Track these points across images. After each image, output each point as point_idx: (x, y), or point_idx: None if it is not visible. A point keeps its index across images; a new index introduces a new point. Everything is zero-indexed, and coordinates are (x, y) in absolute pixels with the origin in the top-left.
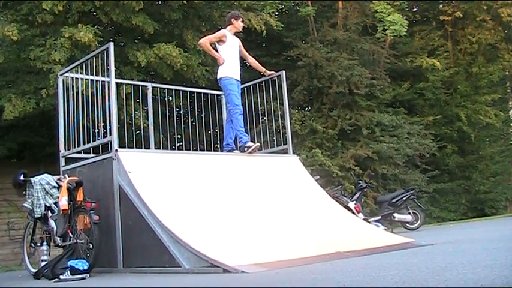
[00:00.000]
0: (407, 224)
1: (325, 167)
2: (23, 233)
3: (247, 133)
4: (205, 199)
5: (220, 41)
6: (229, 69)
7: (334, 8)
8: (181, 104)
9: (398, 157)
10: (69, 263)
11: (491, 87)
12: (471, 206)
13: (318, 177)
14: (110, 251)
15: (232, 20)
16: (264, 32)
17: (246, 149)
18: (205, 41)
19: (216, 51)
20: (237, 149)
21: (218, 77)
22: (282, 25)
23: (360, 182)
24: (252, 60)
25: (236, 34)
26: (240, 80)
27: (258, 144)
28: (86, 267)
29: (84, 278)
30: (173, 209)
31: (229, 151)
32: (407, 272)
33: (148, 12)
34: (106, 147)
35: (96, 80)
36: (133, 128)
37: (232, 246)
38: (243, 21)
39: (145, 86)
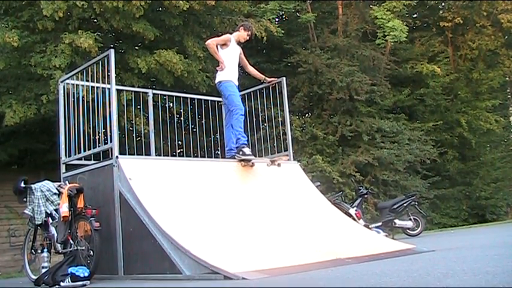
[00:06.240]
0: (408, 230)
1: (325, 173)
2: (23, 239)
3: (248, 141)
4: (205, 206)
5: (224, 44)
6: (229, 73)
7: (335, 14)
8: (181, 110)
9: (399, 163)
10: (70, 269)
11: (492, 93)
12: (472, 212)
13: (319, 183)
14: (111, 258)
15: (241, 28)
16: (265, 38)
17: (240, 153)
18: (212, 43)
19: None
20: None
21: (217, 81)
22: (283, 31)
23: (361, 188)
24: (251, 69)
25: (238, 43)
26: (238, 86)
27: (253, 157)
28: (86, 274)
29: (84, 285)
30: (174, 215)
31: (232, 156)
32: (408, 278)
33: (149, 19)
34: (107, 154)
35: (97, 87)
36: (134, 135)
37: (233, 252)
38: (249, 36)
39: (146, 93)
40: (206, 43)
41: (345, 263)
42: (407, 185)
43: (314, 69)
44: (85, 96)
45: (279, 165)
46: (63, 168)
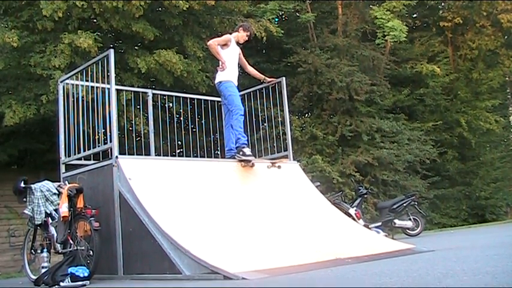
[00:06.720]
0: (407, 230)
1: (325, 173)
2: (23, 239)
3: (248, 141)
4: (205, 206)
5: (225, 45)
6: (229, 73)
7: (334, 14)
8: (181, 110)
9: (399, 163)
10: (70, 270)
11: (492, 93)
12: (472, 212)
13: (319, 183)
14: (110, 258)
15: (240, 29)
16: (264, 38)
17: (241, 153)
18: (214, 43)
19: None
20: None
21: (217, 81)
22: (282, 31)
23: (361, 188)
24: (250, 69)
25: (237, 43)
26: (237, 86)
27: (253, 158)
28: (86, 274)
29: (84, 285)
30: (173, 215)
31: (232, 156)
32: (408, 278)
33: (149, 19)
34: (106, 154)
35: (97, 87)
36: (134, 135)
37: (233, 252)
38: (248, 36)
39: (146, 93)
40: (208, 43)
41: (345, 263)
42: (407, 185)
43: (314, 69)
44: (85, 96)
45: (279, 167)
46: (62, 168)
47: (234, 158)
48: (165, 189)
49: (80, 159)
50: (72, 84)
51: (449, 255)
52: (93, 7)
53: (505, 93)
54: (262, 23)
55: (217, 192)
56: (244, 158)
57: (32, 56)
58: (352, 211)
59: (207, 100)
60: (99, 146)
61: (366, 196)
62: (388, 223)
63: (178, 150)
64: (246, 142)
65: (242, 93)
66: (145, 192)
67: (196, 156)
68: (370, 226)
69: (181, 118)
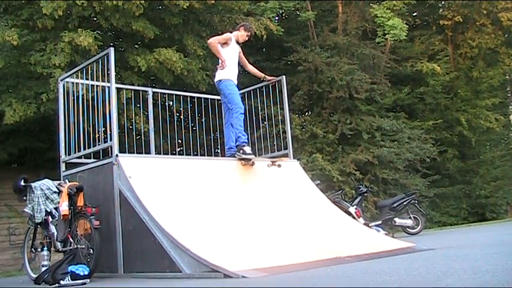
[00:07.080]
0: (408, 229)
1: (325, 171)
2: (23, 238)
3: (248, 139)
4: (205, 204)
5: (225, 43)
6: (229, 72)
7: (334, 12)
8: (181, 108)
9: (399, 162)
10: (70, 268)
11: (492, 92)
12: (472, 211)
13: (319, 182)
14: (111, 256)
15: (241, 28)
16: (264, 36)
17: (241, 151)
18: (215, 41)
19: None
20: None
21: (216, 80)
22: (282, 30)
23: (361, 186)
24: (250, 68)
25: (237, 42)
26: (237, 84)
27: (253, 157)
28: (86, 273)
29: (84, 283)
30: (174, 214)
31: (232, 155)
32: (408, 277)
33: (149, 17)
34: (106, 152)
35: (97, 85)
36: (134, 133)
37: (233, 251)
38: (248, 36)
39: (146, 91)
40: (208, 42)
41: (345, 261)
42: (407, 184)
43: (314, 67)
44: (85, 95)
45: (279, 166)
46: (63, 166)
47: (234, 157)
48: (165, 188)
49: (80, 157)
50: (72, 83)
51: (450, 254)
52: (93, 5)
53: (505, 92)
54: (262, 22)
55: (218, 191)
56: (244, 156)
57: (32, 54)
58: (352, 209)
59: (207, 98)
60: (99, 145)
61: (366, 195)
62: (388, 221)
63: (179, 149)
64: (246, 140)
65: (242, 91)
66: (146, 190)
67: (197, 155)
68: (370, 224)
69: (182, 116)
